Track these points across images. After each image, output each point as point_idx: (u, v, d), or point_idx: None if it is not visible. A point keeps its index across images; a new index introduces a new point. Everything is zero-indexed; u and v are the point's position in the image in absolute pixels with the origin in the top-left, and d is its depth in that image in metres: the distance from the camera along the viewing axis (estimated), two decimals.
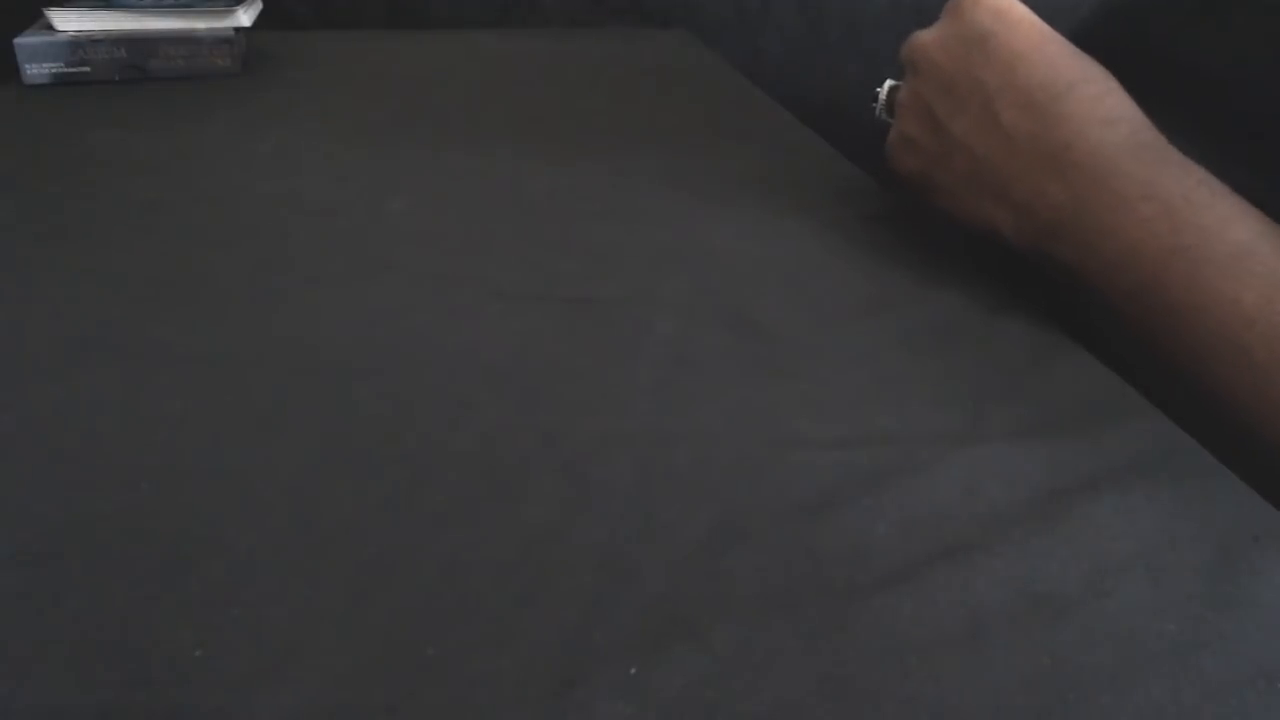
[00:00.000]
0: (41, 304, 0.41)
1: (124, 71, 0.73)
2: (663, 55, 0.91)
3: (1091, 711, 0.24)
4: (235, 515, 0.29)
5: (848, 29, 1.12)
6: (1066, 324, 0.43)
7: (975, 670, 0.25)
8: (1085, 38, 0.53)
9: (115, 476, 0.31)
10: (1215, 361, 0.38)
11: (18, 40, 0.70)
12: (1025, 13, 0.46)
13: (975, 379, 0.39)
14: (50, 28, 0.72)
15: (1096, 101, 0.42)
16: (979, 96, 0.45)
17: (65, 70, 0.71)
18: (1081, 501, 0.32)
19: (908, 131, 0.49)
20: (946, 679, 0.25)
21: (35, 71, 0.71)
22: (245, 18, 0.76)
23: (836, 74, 1.13)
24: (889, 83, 0.53)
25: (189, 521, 0.29)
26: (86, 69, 0.72)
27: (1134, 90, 0.46)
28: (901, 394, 0.37)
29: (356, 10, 1.00)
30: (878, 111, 0.53)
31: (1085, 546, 0.30)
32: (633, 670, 0.25)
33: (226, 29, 0.75)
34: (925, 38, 0.49)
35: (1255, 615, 0.28)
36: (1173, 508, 0.32)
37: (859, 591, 0.28)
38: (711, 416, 0.35)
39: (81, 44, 0.71)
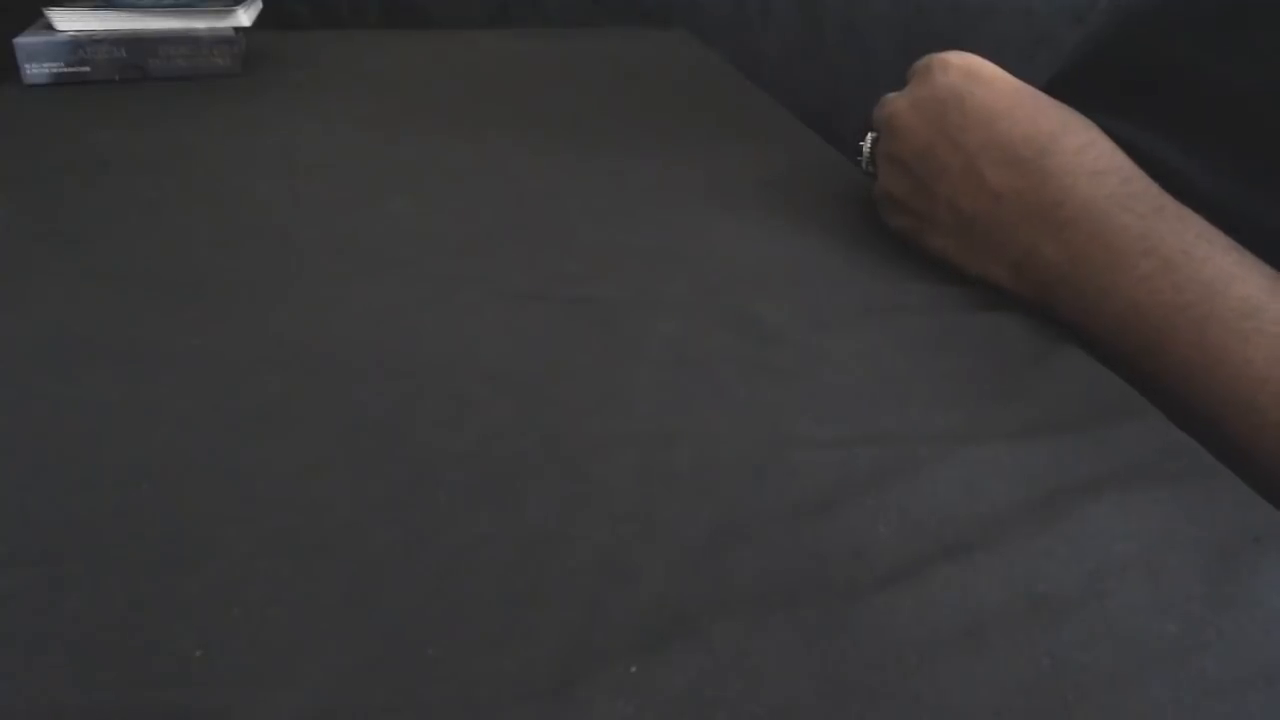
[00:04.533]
0: (41, 304, 0.41)
1: (124, 71, 0.73)
2: (663, 55, 0.91)
3: (1091, 711, 0.24)
4: (235, 515, 0.29)
5: (848, 29, 1.12)
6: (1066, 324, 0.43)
7: (975, 670, 0.25)
8: (1102, 55, 0.52)
9: (115, 476, 0.31)
10: (1228, 420, 0.37)
11: (18, 40, 0.70)
12: (996, 70, 0.46)
13: (975, 379, 0.39)
14: (50, 28, 0.72)
15: (1082, 153, 0.42)
16: (960, 157, 0.44)
17: (65, 70, 0.71)
18: (1081, 501, 0.32)
19: (891, 191, 0.49)
20: (946, 679, 0.25)
21: (35, 71, 0.71)
22: (245, 18, 0.76)
23: (836, 74, 1.13)
24: (871, 135, 0.52)
25: (189, 521, 0.29)
26: (86, 69, 0.72)
27: (1153, 108, 0.45)
28: (901, 394, 0.37)
29: (356, 10, 1.00)
30: (863, 165, 0.53)
31: (1085, 546, 0.30)
32: (633, 670, 0.25)
33: (226, 29, 0.75)
34: (898, 102, 0.48)
35: (1255, 615, 0.28)
36: (1173, 508, 0.32)
37: (859, 591, 0.28)
38: (711, 416, 0.35)
39: (81, 44, 0.71)
